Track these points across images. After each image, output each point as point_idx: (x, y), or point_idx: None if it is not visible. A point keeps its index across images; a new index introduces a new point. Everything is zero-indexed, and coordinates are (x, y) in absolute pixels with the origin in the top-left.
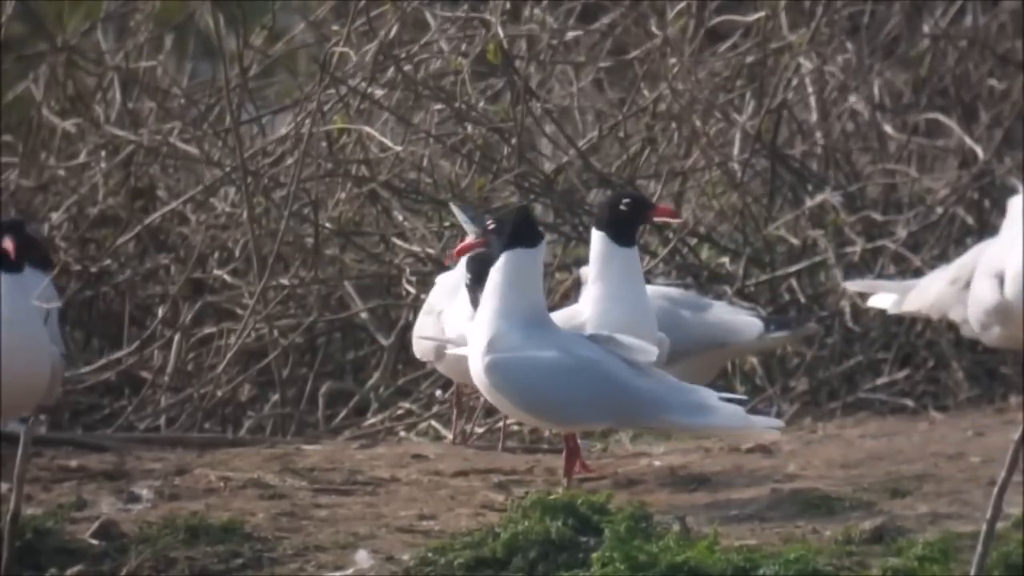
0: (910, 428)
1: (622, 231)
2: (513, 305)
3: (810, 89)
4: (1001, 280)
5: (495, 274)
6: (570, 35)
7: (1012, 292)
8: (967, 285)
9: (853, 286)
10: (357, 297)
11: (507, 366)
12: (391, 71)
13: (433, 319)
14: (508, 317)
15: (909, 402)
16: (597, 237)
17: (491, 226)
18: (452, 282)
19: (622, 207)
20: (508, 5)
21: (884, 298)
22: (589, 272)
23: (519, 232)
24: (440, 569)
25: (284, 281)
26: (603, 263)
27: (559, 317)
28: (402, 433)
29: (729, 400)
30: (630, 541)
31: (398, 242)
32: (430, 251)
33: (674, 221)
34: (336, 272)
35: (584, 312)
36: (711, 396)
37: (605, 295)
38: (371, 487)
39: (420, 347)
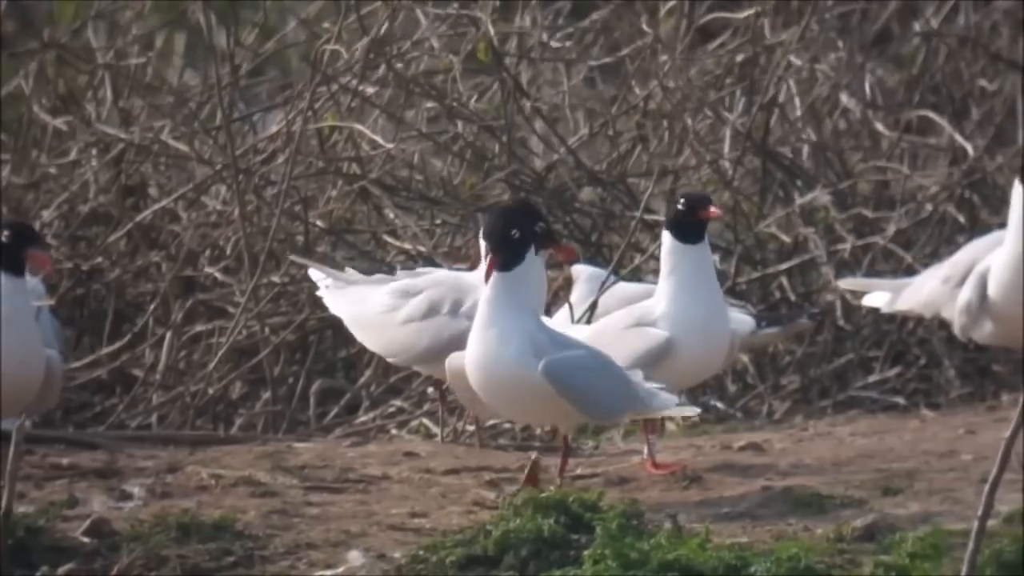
0: (901, 426)
1: (684, 229)
2: (525, 308)
3: (796, 88)
4: (985, 279)
5: (510, 279)
6: (560, 32)
7: (995, 290)
8: (960, 283)
9: (845, 284)
10: None
11: (562, 367)
12: (382, 68)
13: (445, 320)
14: (533, 320)
15: (900, 400)
16: (665, 236)
17: (515, 234)
18: (449, 280)
19: (679, 206)
20: (498, 3)
21: (878, 296)
22: (661, 268)
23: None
24: (432, 567)
25: (275, 279)
26: (671, 261)
27: (630, 315)
28: (393, 431)
29: None
30: (622, 539)
31: (389, 239)
32: (421, 248)
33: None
34: None
35: (656, 309)
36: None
37: (679, 291)
38: (362, 485)
39: (418, 349)
